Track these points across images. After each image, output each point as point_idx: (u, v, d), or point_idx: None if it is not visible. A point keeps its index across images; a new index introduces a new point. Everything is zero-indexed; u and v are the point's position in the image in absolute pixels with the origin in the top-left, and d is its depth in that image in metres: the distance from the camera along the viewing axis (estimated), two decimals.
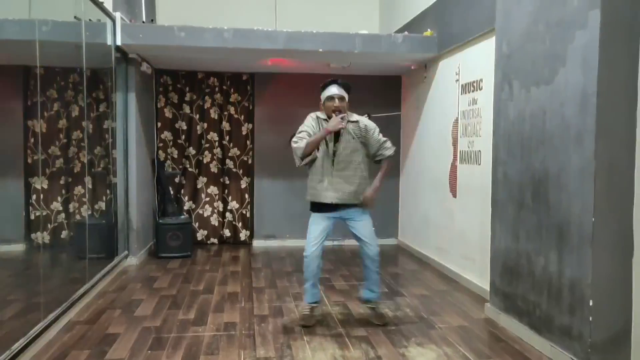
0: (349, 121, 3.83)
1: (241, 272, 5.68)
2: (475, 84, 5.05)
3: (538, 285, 3.55)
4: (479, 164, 4.93)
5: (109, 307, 4.36)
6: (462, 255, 5.28)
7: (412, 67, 6.55)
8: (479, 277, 4.88)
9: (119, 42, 5.43)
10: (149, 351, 3.43)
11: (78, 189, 6.49)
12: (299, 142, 3.77)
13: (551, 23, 3.43)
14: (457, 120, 5.44)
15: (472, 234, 5.06)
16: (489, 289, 4.32)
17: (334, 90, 3.81)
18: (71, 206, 6.58)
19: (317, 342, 3.63)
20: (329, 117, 3.78)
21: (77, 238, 5.71)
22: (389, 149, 4.02)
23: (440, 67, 5.94)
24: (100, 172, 6.08)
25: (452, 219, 5.55)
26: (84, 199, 6.34)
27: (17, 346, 3.26)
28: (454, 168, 5.52)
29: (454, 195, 5.51)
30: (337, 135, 3.82)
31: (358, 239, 4.02)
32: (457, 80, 5.45)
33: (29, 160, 6.59)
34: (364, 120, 4.00)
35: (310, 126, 3.85)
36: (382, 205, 7.38)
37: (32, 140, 6.66)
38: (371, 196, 3.93)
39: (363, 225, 3.99)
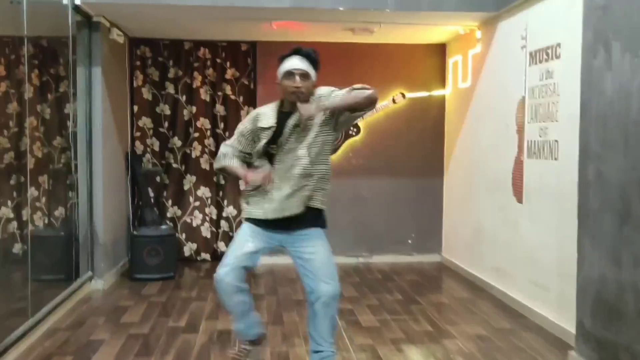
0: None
1: None
2: (550, 51, 4.43)
3: None
4: (556, 159, 4.32)
5: (56, 353, 3.86)
6: (532, 281, 4.68)
7: (462, 32, 5.95)
8: (557, 312, 4.28)
9: (77, 1, 4.92)
10: None
11: (31, 192, 6.03)
12: (219, 159, 3.36)
13: None
14: (523, 99, 4.84)
15: (546, 253, 4.45)
16: (573, 331, 3.73)
17: (294, 62, 3.07)
18: (23, 213, 6.13)
19: None
20: (288, 103, 3.13)
21: (26, 255, 5.25)
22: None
23: (500, 31, 5.33)
24: (57, 170, 5.60)
25: (517, 232, 4.95)
26: (37, 204, 5.87)
27: None
28: (519, 164, 4.92)
29: (520, 201, 4.91)
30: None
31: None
32: (524, 47, 4.84)
33: None
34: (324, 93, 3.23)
35: (239, 137, 3.32)
36: (422, 213, 6.82)
37: None
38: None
39: (315, 253, 3.26)
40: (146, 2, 4.98)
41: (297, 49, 3.13)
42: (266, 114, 3.21)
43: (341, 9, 5.13)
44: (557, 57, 4.33)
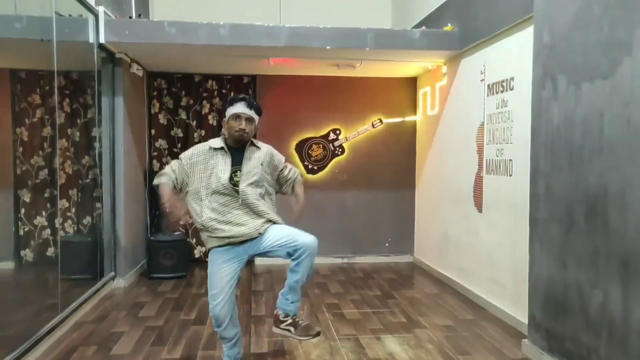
0: (255, 146, 3.15)
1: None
2: (504, 84, 4.42)
3: (594, 326, 2.90)
4: (510, 175, 4.29)
5: (82, 344, 3.75)
6: (490, 279, 4.63)
7: (430, 67, 5.93)
8: (512, 305, 4.23)
9: (102, 40, 4.85)
10: None
11: (62, 203, 5.94)
12: (159, 176, 3.08)
13: (610, 4, 2.81)
14: (482, 125, 4.81)
15: (502, 255, 4.41)
16: (525, 322, 3.68)
17: (241, 107, 3.01)
18: (55, 222, 6.03)
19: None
20: (231, 140, 3.04)
21: (57, 258, 5.14)
22: (293, 173, 3.35)
23: (462, 66, 5.32)
24: (85, 185, 5.51)
25: (478, 237, 4.90)
26: (68, 214, 5.78)
27: None
28: (479, 179, 4.88)
29: (480, 210, 4.87)
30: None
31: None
32: (483, 80, 4.82)
33: (18, 171, 6.07)
34: (267, 146, 3.24)
35: (174, 169, 3.07)
36: (397, 219, 6.77)
37: (21, 149, 6.13)
38: None
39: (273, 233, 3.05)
40: (159, 42, 4.93)
41: (244, 97, 3.07)
42: (215, 142, 3.08)
43: (328, 47, 5.10)
44: (511, 88, 4.31)
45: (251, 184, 3.00)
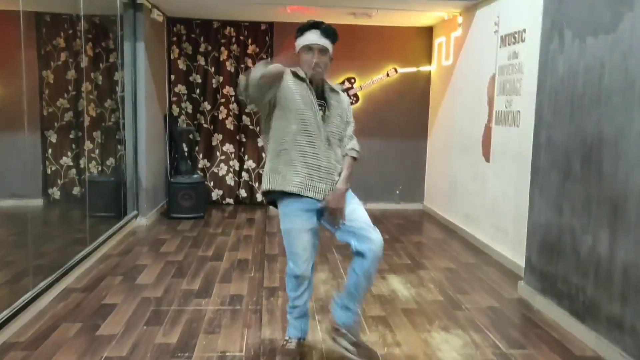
0: (331, 89, 2.68)
1: (254, 236, 5.34)
2: (516, 35, 4.48)
3: (583, 267, 3.10)
4: (517, 126, 4.41)
5: (109, 274, 4.06)
6: (494, 226, 4.83)
7: (446, 17, 5.95)
8: (512, 250, 4.44)
9: None
10: (145, 327, 3.12)
11: (87, 144, 6.19)
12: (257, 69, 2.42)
13: None
14: (494, 76, 4.89)
15: (506, 203, 4.59)
16: (523, 266, 3.89)
17: (313, 37, 2.53)
18: (80, 162, 6.31)
19: (330, 322, 3.27)
20: (306, 77, 2.56)
21: (84, 196, 5.44)
22: (356, 147, 2.73)
23: (477, 17, 5.35)
24: (108, 127, 5.75)
25: (484, 186, 5.07)
26: (93, 155, 6.04)
27: (3, 315, 2.97)
28: (488, 130, 5.01)
29: (487, 160, 5.02)
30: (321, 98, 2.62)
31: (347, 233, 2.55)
32: (496, 32, 4.87)
33: (45, 113, 6.32)
34: (340, 88, 2.82)
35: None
36: (408, 168, 6.93)
37: (47, 91, 6.37)
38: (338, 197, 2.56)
39: (352, 210, 2.59)
40: None
41: (317, 23, 2.55)
42: (298, 71, 2.58)
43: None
44: (523, 40, 4.37)
45: (333, 132, 2.60)
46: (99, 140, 6.12)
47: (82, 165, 6.25)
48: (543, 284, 3.54)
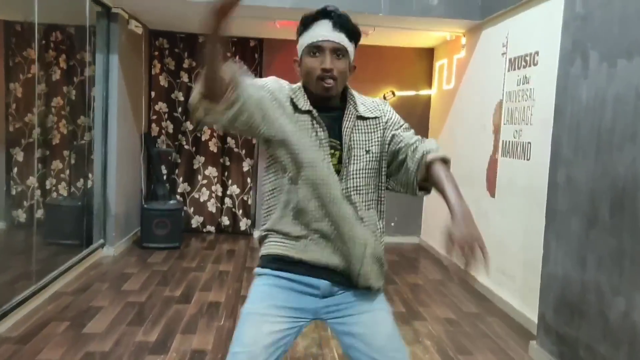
0: (358, 116, 1.67)
1: (232, 273, 4.78)
2: (528, 58, 4.00)
3: (613, 335, 2.56)
4: (528, 159, 3.91)
5: (55, 318, 3.49)
6: (499, 269, 4.29)
7: (448, 38, 5.49)
8: (520, 300, 3.90)
9: None
10: None
11: (55, 164, 5.69)
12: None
13: None
14: (500, 103, 4.41)
15: (513, 244, 4.06)
16: (535, 319, 3.35)
17: (322, 31, 1.59)
18: (46, 184, 5.80)
19: None
20: (311, 89, 1.63)
21: (39, 222, 4.91)
22: (434, 146, 1.70)
23: (483, 38, 4.88)
24: (80, 146, 5.25)
25: (488, 223, 4.55)
26: (61, 176, 5.53)
27: None
28: (493, 162, 4.50)
29: (492, 195, 4.50)
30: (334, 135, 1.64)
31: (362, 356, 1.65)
32: (504, 54, 4.40)
33: (10, 128, 5.80)
34: (378, 100, 1.81)
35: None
36: (404, 198, 6.41)
37: (14, 106, 5.85)
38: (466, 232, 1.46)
39: (376, 323, 1.70)
40: None
41: (327, 10, 1.60)
42: (297, 97, 1.63)
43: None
44: (535, 64, 3.90)
45: (357, 186, 1.65)
46: (70, 160, 5.61)
47: (48, 187, 5.74)
48: (560, 349, 3.00)
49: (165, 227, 5.50)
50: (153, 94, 6.17)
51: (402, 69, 6.30)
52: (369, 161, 1.66)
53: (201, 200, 6.36)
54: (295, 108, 1.61)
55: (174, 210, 5.57)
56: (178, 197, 6.27)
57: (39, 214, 5.25)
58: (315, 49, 1.58)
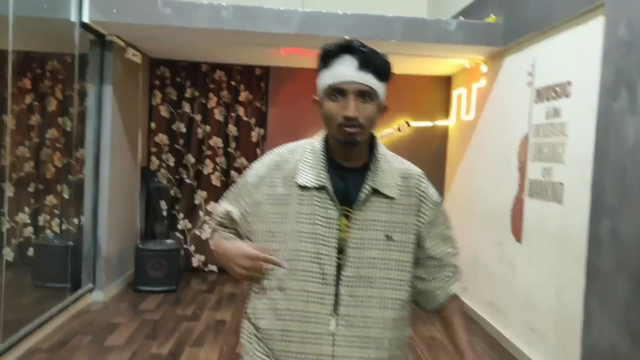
0: (374, 189, 1.40)
1: (230, 323, 4.34)
2: (558, 89, 3.57)
3: None
4: (560, 203, 3.45)
5: None
6: (527, 325, 3.80)
7: (467, 66, 5.08)
8: None
9: (86, 19, 4.18)
10: None
11: (41, 201, 5.36)
12: (213, 233, 1.54)
13: None
14: (526, 137, 3.97)
15: (544, 298, 3.58)
16: None
17: (346, 70, 1.34)
18: (34, 221, 5.46)
19: None
20: (333, 135, 1.38)
21: (33, 262, 4.55)
22: (456, 276, 1.53)
23: (506, 66, 4.47)
24: (77, 181, 4.90)
25: (514, 271, 4.07)
26: (56, 211, 5.19)
27: None
28: (519, 202, 4.04)
29: (518, 239, 4.03)
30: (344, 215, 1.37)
31: None
32: (530, 83, 3.97)
33: (2, 162, 5.50)
34: (415, 174, 1.53)
35: (242, 199, 1.46)
36: None
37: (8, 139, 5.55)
38: None
39: None
40: (152, 23, 4.23)
41: (351, 45, 1.37)
42: (307, 163, 1.41)
43: (347, 37, 4.32)
44: (567, 95, 3.46)
45: (367, 278, 1.36)
46: (66, 196, 5.27)
47: (41, 223, 5.40)
48: None
49: (161, 268, 5.10)
50: (153, 125, 5.84)
51: (417, 98, 5.89)
52: (386, 239, 1.39)
53: (203, 237, 5.95)
54: (301, 187, 1.38)
55: (171, 251, 5.17)
56: (178, 234, 5.88)
57: (30, 253, 4.90)
58: (336, 91, 1.34)
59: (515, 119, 4.17)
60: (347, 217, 1.35)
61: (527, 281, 3.86)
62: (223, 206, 1.50)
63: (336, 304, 1.32)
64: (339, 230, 1.35)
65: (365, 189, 1.37)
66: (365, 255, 1.35)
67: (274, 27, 4.30)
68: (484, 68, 4.87)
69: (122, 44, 4.84)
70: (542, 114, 3.76)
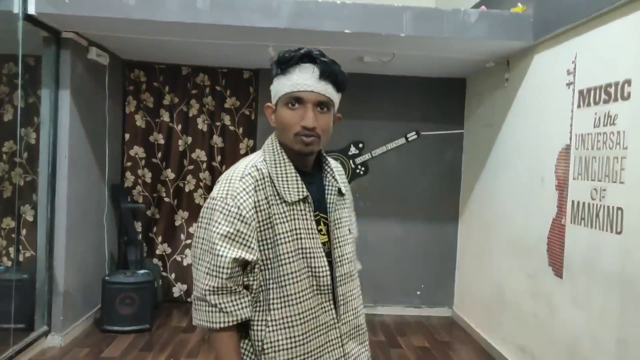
0: (332, 173, 1.53)
1: None
2: (611, 90, 2.84)
3: None
4: (618, 232, 2.72)
5: None
6: None
7: (488, 65, 4.36)
8: None
9: (31, 11, 3.46)
10: None
11: (7, 222, 4.66)
12: (227, 299, 1.36)
13: None
14: (567, 149, 3.24)
15: (598, 352, 2.83)
16: None
17: (304, 79, 1.37)
18: None
19: None
20: (288, 145, 1.42)
21: None
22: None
23: (537, 64, 3.75)
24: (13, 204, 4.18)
25: (554, 314, 3.33)
26: (7, 239, 4.48)
27: None
28: (559, 229, 3.31)
29: (559, 274, 3.29)
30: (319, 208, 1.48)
31: None
32: (571, 84, 3.25)
33: None
34: (340, 167, 1.63)
35: (239, 238, 1.36)
36: (432, 260, 5.22)
37: None
38: None
39: None
40: (112, 17, 3.51)
41: (310, 54, 1.38)
42: (281, 177, 1.41)
43: (347, 31, 3.61)
44: (624, 97, 2.74)
45: (349, 271, 1.50)
46: (29, 218, 4.54)
47: None
48: None
49: (132, 304, 4.36)
50: (127, 136, 5.12)
51: (428, 104, 5.17)
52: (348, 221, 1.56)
53: (184, 264, 5.21)
54: (280, 199, 1.41)
55: (143, 283, 4.42)
56: (156, 260, 5.15)
57: None
58: (295, 100, 1.38)
59: (551, 128, 3.44)
60: (322, 221, 1.46)
61: (572, 327, 3.11)
62: (224, 256, 1.34)
63: (336, 307, 1.44)
64: (322, 236, 1.44)
65: (333, 192, 1.48)
66: (344, 252, 1.48)
67: (259, 21, 3.59)
68: (507, 67, 4.15)
69: (84, 42, 4.13)
70: (588, 121, 3.03)
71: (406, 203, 5.18)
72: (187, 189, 5.19)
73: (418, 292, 5.24)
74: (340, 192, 1.50)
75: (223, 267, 1.32)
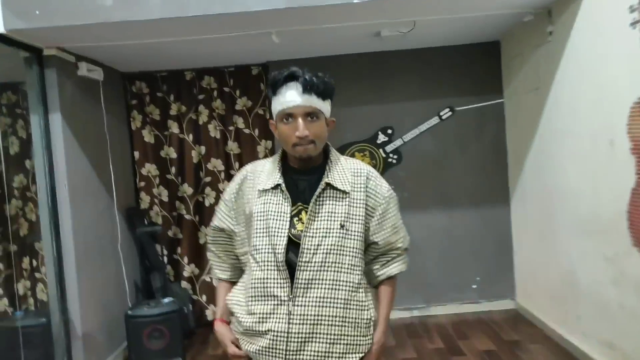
0: (328, 185, 1.68)
1: None
2: None
3: None
4: None
5: None
6: None
7: (525, 19, 3.76)
8: None
9: (2, 29, 3.07)
10: None
11: (25, 262, 4.35)
12: (212, 260, 1.92)
13: None
14: None
15: None
16: None
17: (292, 96, 1.62)
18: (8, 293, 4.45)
19: None
20: (294, 158, 1.71)
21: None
22: (401, 260, 1.81)
23: (586, 7, 3.15)
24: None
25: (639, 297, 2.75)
26: (30, 280, 4.15)
27: None
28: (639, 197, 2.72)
29: None
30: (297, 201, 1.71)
31: None
32: (637, 22, 2.65)
33: None
34: (364, 172, 1.74)
35: (225, 216, 1.83)
36: (485, 250, 4.66)
37: None
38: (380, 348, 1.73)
39: None
40: (90, 23, 3.08)
41: (293, 73, 1.63)
42: (265, 172, 1.75)
43: (355, 1, 3.09)
44: None
45: (323, 261, 1.63)
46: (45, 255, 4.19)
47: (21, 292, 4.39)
48: None
49: (161, 337, 3.96)
50: (137, 154, 4.72)
51: (459, 75, 4.59)
52: (332, 222, 1.67)
53: (215, 284, 4.79)
54: (261, 191, 1.71)
55: (169, 313, 4.00)
56: (185, 283, 4.74)
57: None
58: (287, 115, 1.63)
59: (616, 80, 2.85)
60: (305, 211, 1.65)
61: None
62: (210, 224, 1.87)
63: (292, 287, 1.60)
64: (299, 221, 1.64)
65: (321, 185, 1.66)
66: (322, 243, 1.62)
67: (253, 4, 3.10)
68: (549, 18, 3.56)
69: (71, 58, 3.73)
70: None
71: (448, 189, 4.63)
72: (207, 203, 4.76)
73: (474, 286, 4.68)
74: (333, 187, 1.66)
75: (209, 232, 1.87)
